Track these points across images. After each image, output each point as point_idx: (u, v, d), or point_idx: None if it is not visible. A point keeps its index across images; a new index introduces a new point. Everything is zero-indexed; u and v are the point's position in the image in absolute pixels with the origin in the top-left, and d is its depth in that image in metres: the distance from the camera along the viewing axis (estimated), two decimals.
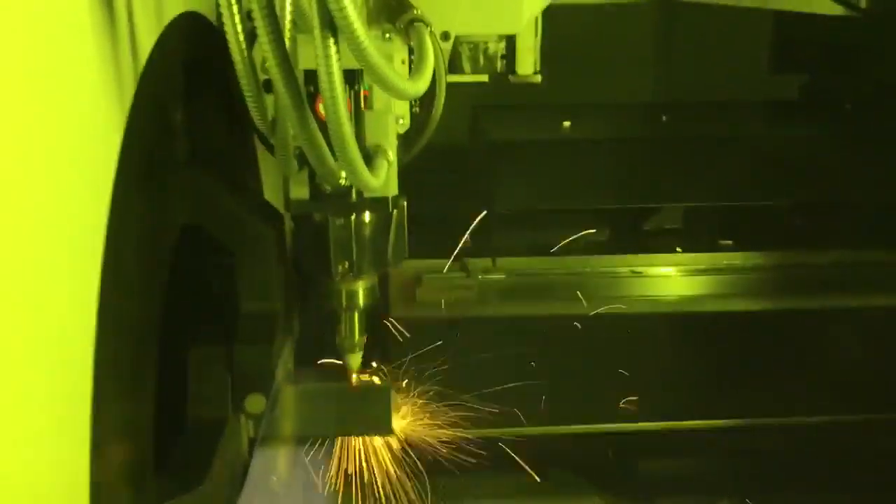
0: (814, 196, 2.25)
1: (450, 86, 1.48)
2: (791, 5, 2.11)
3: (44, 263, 0.86)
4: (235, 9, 0.99)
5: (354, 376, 1.52)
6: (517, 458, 1.96)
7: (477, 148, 2.33)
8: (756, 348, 2.16)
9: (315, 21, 0.91)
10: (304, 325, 1.66)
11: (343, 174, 1.18)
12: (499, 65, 1.77)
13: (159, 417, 1.18)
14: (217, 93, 1.43)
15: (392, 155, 1.32)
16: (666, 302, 2.15)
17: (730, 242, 2.23)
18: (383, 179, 1.26)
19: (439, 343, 1.81)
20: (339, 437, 1.58)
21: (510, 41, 1.79)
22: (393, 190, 1.37)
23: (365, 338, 1.48)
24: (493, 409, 1.86)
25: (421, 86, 1.14)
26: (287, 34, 1.02)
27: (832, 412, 2.15)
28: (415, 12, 1.32)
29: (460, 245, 1.98)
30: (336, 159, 1.08)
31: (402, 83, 1.04)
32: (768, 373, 2.16)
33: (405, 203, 1.42)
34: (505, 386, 2.01)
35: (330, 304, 1.45)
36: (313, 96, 1.13)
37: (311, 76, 1.05)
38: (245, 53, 1.01)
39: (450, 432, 1.71)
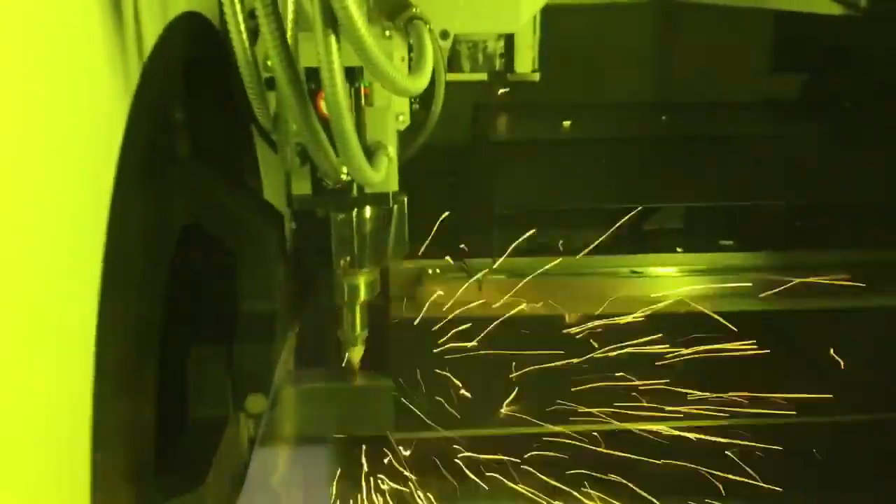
0: (814, 196, 2.25)
1: (452, 85, 1.48)
2: (791, 5, 2.11)
3: (44, 262, 0.85)
4: (238, 7, 1.00)
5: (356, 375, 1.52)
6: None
7: (478, 148, 2.33)
8: (756, 349, 2.16)
9: (317, 18, 0.93)
10: (304, 324, 1.66)
11: (344, 169, 1.19)
12: (497, 63, 1.77)
13: (160, 417, 1.18)
14: (218, 92, 1.43)
15: (392, 151, 1.33)
16: (665, 302, 2.14)
17: (730, 242, 2.22)
18: (384, 175, 1.27)
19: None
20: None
21: (509, 39, 1.80)
22: (393, 185, 1.38)
23: (366, 332, 1.49)
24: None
25: (421, 82, 1.15)
26: (289, 32, 1.03)
27: (833, 412, 2.14)
28: (414, 10, 1.33)
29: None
30: (337, 155, 1.09)
31: (402, 79, 1.05)
32: (768, 373, 2.15)
33: (405, 198, 1.43)
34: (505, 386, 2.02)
35: (331, 298, 1.46)
36: (315, 93, 1.13)
37: (313, 73, 1.06)
38: (248, 51, 1.03)
39: None
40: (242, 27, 1.01)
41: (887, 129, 2.17)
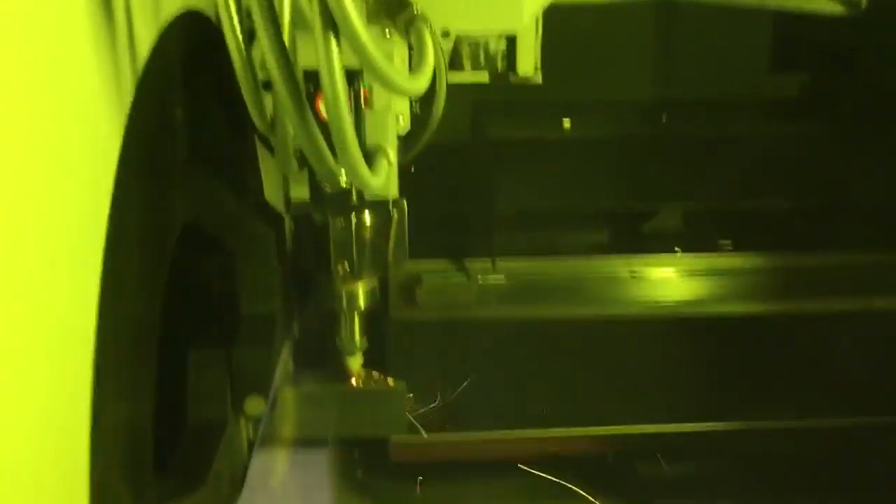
0: (814, 197, 2.24)
1: (452, 84, 1.48)
2: (791, 4, 2.10)
3: (44, 262, 0.85)
4: (233, 8, 0.98)
5: (355, 379, 1.51)
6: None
7: (477, 148, 2.33)
8: (755, 350, 2.16)
9: (316, 19, 0.90)
10: (303, 326, 1.66)
11: (343, 174, 1.17)
12: (499, 64, 1.77)
13: (159, 419, 1.17)
14: (217, 91, 1.42)
15: (392, 155, 1.32)
16: (665, 303, 2.14)
17: (729, 243, 2.22)
18: (384, 180, 1.25)
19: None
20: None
21: (511, 40, 1.79)
22: (393, 191, 1.36)
23: (366, 340, 1.47)
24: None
25: (421, 83, 1.13)
26: (286, 33, 1.02)
27: (832, 415, 2.14)
28: (415, 10, 1.31)
29: None
30: (336, 159, 1.07)
31: (402, 81, 1.03)
32: (767, 375, 2.15)
33: (405, 205, 1.42)
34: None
35: (330, 305, 1.44)
36: (313, 95, 1.12)
37: (311, 75, 1.04)
38: (244, 53, 1.01)
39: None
40: (238, 28, 0.99)
41: (887, 130, 2.17)
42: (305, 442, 1.56)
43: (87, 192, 0.95)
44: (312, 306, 1.63)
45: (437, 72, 1.38)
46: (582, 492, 2.04)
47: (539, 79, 1.81)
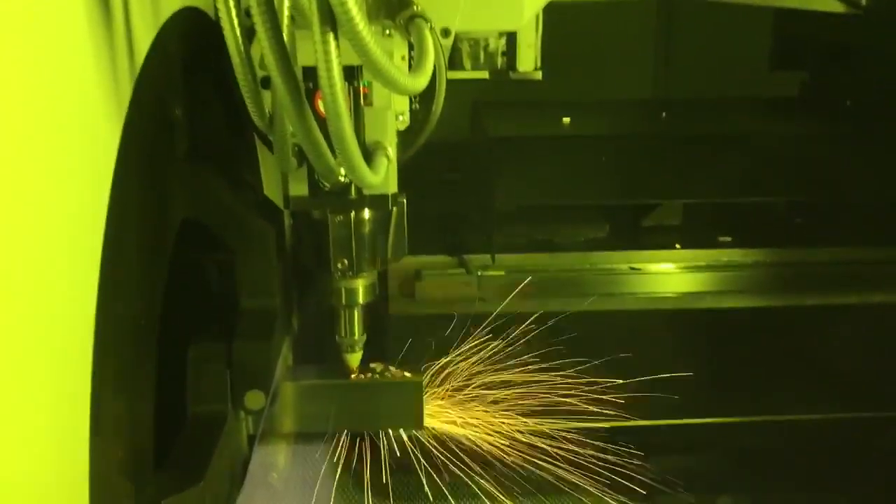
0: (813, 193, 2.25)
1: (451, 81, 1.48)
2: (791, 2, 2.10)
3: (43, 259, 0.86)
4: (232, 5, 0.99)
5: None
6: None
7: (477, 144, 2.33)
8: (754, 345, 2.16)
9: (314, 16, 0.90)
10: (303, 321, 1.66)
11: (342, 171, 1.17)
12: (499, 61, 1.77)
13: (159, 414, 1.18)
14: (216, 88, 1.42)
15: (392, 152, 1.32)
16: (664, 298, 2.15)
17: (729, 239, 2.23)
18: (383, 176, 1.25)
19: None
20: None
21: (511, 38, 1.79)
22: (392, 187, 1.36)
23: (365, 336, 1.47)
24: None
25: (421, 81, 1.13)
26: (286, 30, 1.02)
27: (831, 409, 2.15)
28: (414, 8, 1.31)
29: None
30: (335, 156, 1.08)
31: (402, 78, 1.03)
32: (767, 370, 2.16)
33: (405, 201, 1.42)
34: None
35: (329, 301, 1.44)
36: (312, 93, 1.13)
37: (310, 73, 1.04)
38: (242, 50, 1.01)
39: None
40: (237, 26, 0.99)
41: (887, 128, 2.17)
42: (306, 436, 1.56)
43: (86, 189, 0.95)
44: (312, 301, 1.64)
45: (436, 70, 1.38)
46: (580, 488, 2.04)
47: (539, 75, 1.81)
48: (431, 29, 1.28)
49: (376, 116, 1.29)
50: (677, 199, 2.30)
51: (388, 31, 1.32)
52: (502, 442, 1.82)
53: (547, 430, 1.96)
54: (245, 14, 0.99)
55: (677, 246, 2.19)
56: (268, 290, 1.45)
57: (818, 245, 2.20)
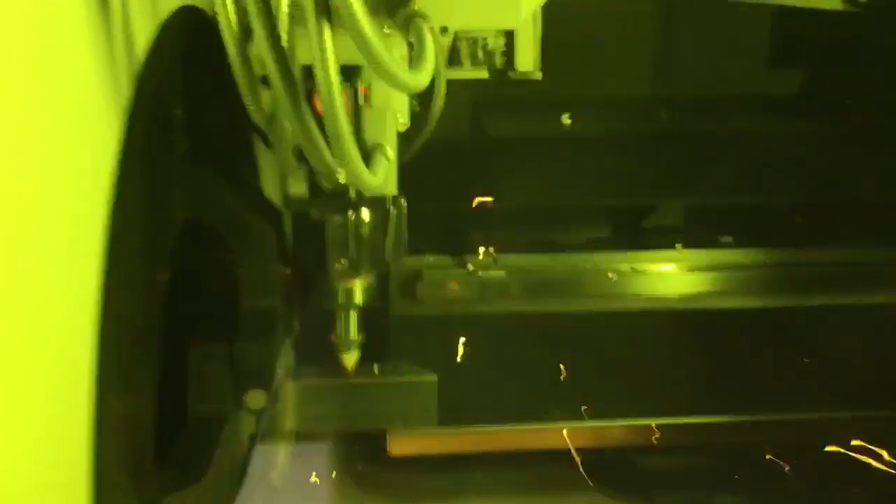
0: (814, 193, 2.24)
1: (451, 81, 1.48)
2: (790, 0, 2.10)
3: (45, 259, 0.86)
4: (230, 4, 0.99)
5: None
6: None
7: (477, 144, 2.33)
8: (755, 344, 2.16)
9: (310, 9, 0.90)
10: (304, 321, 1.66)
11: (341, 171, 1.16)
12: (498, 60, 1.77)
13: (160, 413, 1.18)
14: (216, 88, 1.42)
15: (391, 153, 1.31)
16: (665, 298, 2.14)
17: (729, 239, 2.22)
18: (382, 178, 1.25)
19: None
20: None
21: (510, 37, 1.79)
22: (392, 189, 1.36)
23: (362, 337, 1.46)
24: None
25: (422, 78, 1.13)
26: (285, 29, 1.02)
27: (831, 409, 2.15)
28: (414, 7, 1.31)
29: None
30: (333, 156, 1.08)
31: (403, 74, 1.03)
32: (767, 369, 2.16)
33: (404, 202, 1.41)
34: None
35: (327, 302, 1.44)
36: (312, 92, 1.12)
37: (310, 71, 1.04)
38: (240, 49, 1.01)
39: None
40: (234, 25, 0.99)
41: (887, 126, 2.17)
42: (306, 436, 1.56)
43: (87, 189, 0.95)
44: (313, 301, 1.64)
45: (436, 68, 1.38)
46: (580, 487, 2.04)
47: (538, 75, 1.81)
48: (430, 27, 1.28)
49: (376, 117, 1.29)
50: (678, 200, 2.29)
51: (387, 30, 1.32)
52: None
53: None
54: (243, 12, 0.99)
55: (678, 246, 2.19)
56: (269, 291, 1.45)
57: (819, 245, 2.19)
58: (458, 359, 1.87)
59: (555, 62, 1.91)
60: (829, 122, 2.30)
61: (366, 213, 1.37)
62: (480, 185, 2.18)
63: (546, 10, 1.81)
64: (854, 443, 2.08)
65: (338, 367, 1.53)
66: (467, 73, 1.74)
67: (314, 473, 1.54)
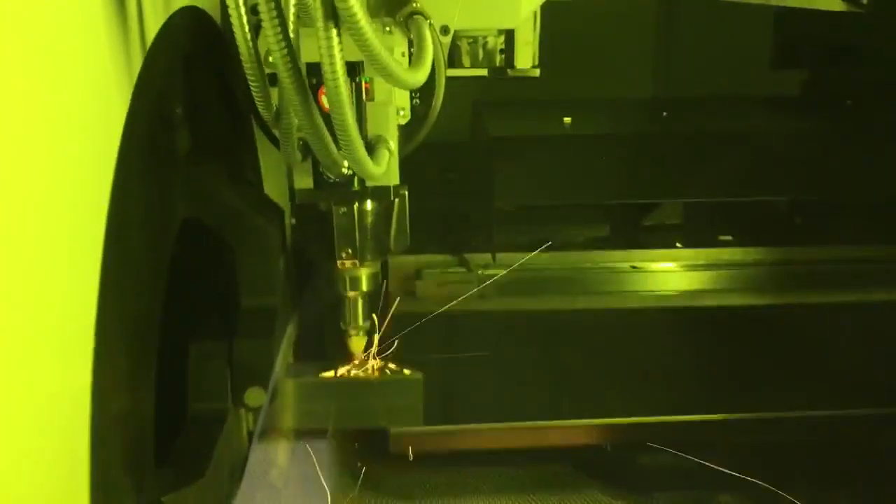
0: (814, 192, 2.25)
1: (452, 80, 1.49)
2: (792, 1, 2.10)
3: (43, 258, 0.86)
4: (241, 2, 1.01)
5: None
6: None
7: (477, 144, 2.34)
8: (755, 343, 2.17)
9: (318, 12, 0.93)
10: (303, 319, 1.66)
11: (346, 163, 1.20)
12: (498, 59, 1.78)
13: (160, 411, 1.18)
14: (218, 87, 1.43)
15: (393, 145, 1.34)
16: (665, 297, 2.15)
17: (729, 238, 2.23)
18: (385, 168, 1.29)
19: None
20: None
21: (509, 36, 1.80)
22: (394, 179, 1.39)
23: (368, 323, 1.50)
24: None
25: (421, 75, 1.15)
26: (291, 28, 1.04)
27: (831, 407, 2.15)
28: (414, 5, 1.33)
29: None
30: (339, 149, 1.11)
31: (402, 72, 1.06)
32: (767, 367, 2.16)
33: (406, 192, 1.45)
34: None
35: (334, 289, 1.47)
36: (316, 88, 1.14)
37: (314, 69, 1.06)
38: (251, 46, 1.04)
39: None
40: (245, 22, 1.02)
41: (889, 126, 2.17)
42: (306, 433, 1.56)
43: (87, 187, 0.95)
44: (313, 299, 1.64)
45: (436, 66, 1.40)
46: (581, 484, 2.05)
47: (537, 73, 1.83)
48: (430, 26, 1.31)
49: (378, 111, 1.32)
50: (678, 199, 2.30)
51: (388, 28, 1.34)
52: None
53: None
54: (252, 12, 1.01)
55: (678, 245, 2.19)
56: (268, 289, 1.46)
57: (818, 243, 2.20)
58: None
59: (555, 61, 1.91)
60: (830, 122, 2.30)
61: (370, 204, 1.40)
62: (480, 184, 2.18)
63: (546, 8, 1.82)
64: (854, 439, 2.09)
65: (330, 365, 1.54)
66: (467, 72, 1.75)
67: (314, 471, 1.54)
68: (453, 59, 1.78)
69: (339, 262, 1.42)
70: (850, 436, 2.16)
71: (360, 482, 1.69)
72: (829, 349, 2.14)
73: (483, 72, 1.83)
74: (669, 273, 2.14)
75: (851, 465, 2.10)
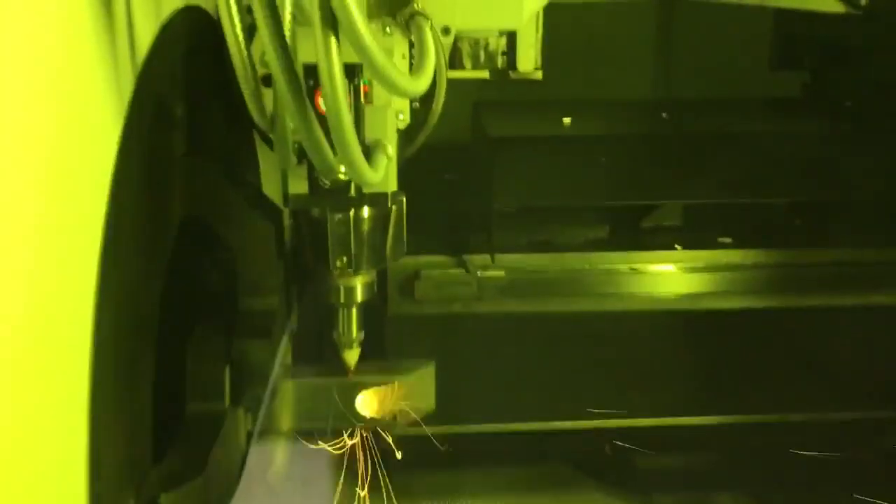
0: (813, 194, 2.25)
1: (452, 81, 1.48)
2: (792, 2, 2.10)
3: (41, 256, 0.86)
4: (233, 1, 0.99)
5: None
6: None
7: (477, 145, 2.34)
8: (754, 345, 2.17)
9: (315, 14, 0.91)
10: (302, 319, 1.66)
11: (342, 169, 1.17)
12: (499, 61, 1.77)
13: (158, 410, 1.18)
14: (217, 86, 1.43)
15: (392, 150, 1.32)
16: (664, 299, 2.15)
17: (729, 240, 2.23)
18: (382, 174, 1.25)
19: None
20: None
21: (511, 37, 1.80)
22: (392, 185, 1.36)
23: (363, 334, 1.47)
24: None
25: (422, 84, 1.13)
26: (287, 27, 1.02)
27: (830, 409, 2.15)
28: (415, 6, 1.31)
29: None
30: (335, 154, 1.08)
31: (403, 80, 1.03)
32: (766, 370, 2.16)
33: (404, 199, 1.42)
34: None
35: (328, 299, 1.44)
36: (313, 90, 1.13)
37: (311, 70, 1.04)
38: (243, 48, 1.01)
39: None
40: (237, 23, 1.00)
41: (888, 128, 2.17)
42: (305, 433, 1.57)
43: (86, 187, 0.95)
44: (311, 300, 1.64)
45: (437, 69, 1.38)
46: (580, 486, 2.05)
47: (539, 75, 1.82)
48: (432, 27, 1.29)
49: (376, 115, 1.30)
50: (677, 200, 2.30)
51: (388, 29, 1.33)
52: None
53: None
54: (246, 11, 0.99)
55: (677, 247, 2.19)
56: (267, 288, 1.45)
57: (818, 246, 2.20)
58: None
59: (556, 63, 1.91)
60: (829, 124, 2.30)
61: (366, 211, 1.37)
62: (480, 186, 2.18)
63: (548, 10, 1.81)
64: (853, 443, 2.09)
65: (335, 365, 1.54)
66: (468, 74, 1.75)
67: (313, 471, 1.54)
68: (454, 61, 1.78)
69: (332, 270, 1.37)
70: (850, 439, 2.16)
71: (359, 482, 1.69)
72: (829, 352, 2.14)
73: (485, 74, 1.83)
74: (669, 275, 2.14)
75: (852, 468, 2.10)
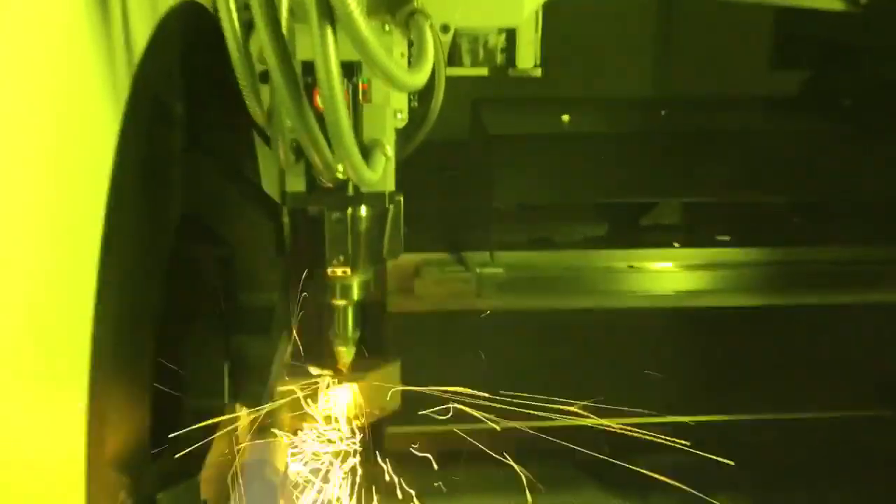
0: (812, 192, 2.25)
1: (451, 78, 1.48)
2: (791, 1, 2.10)
3: (41, 253, 0.86)
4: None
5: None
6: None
7: (477, 142, 2.34)
8: (752, 343, 2.17)
9: (312, 11, 0.90)
10: (301, 316, 1.66)
11: (340, 167, 1.15)
12: (498, 58, 1.77)
13: (157, 407, 1.18)
14: (216, 82, 1.42)
15: (390, 149, 1.31)
16: (663, 296, 2.15)
17: (727, 238, 2.23)
18: (380, 174, 1.24)
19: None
20: None
21: (510, 35, 1.79)
22: (390, 185, 1.35)
23: (359, 332, 1.46)
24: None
25: (420, 78, 1.12)
26: (284, 24, 1.02)
27: (828, 407, 2.15)
28: (414, 4, 1.30)
29: None
30: (333, 152, 1.07)
31: (401, 75, 1.02)
32: (764, 368, 2.16)
33: (401, 199, 1.41)
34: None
35: (325, 297, 1.43)
36: (311, 88, 1.12)
37: (310, 67, 1.04)
38: (241, 44, 1.01)
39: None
40: (235, 19, 0.99)
41: (887, 126, 2.17)
42: (303, 432, 1.57)
43: (85, 184, 0.95)
44: (310, 297, 1.64)
45: (436, 66, 1.38)
46: (578, 485, 2.05)
47: (538, 72, 1.81)
48: (431, 25, 1.28)
49: (375, 113, 1.28)
50: (676, 198, 2.30)
51: (387, 27, 1.32)
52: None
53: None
54: (244, 7, 0.99)
55: (676, 244, 2.19)
56: (266, 285, 1.45)
57: (816, 244, 2.20)
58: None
59: (555, 60, 1.91)
60: (828, 121, 2.30)
61: (364, 210, 1.36)
62: (479, 183, 2.18)
63: (547, 9, 1.81)
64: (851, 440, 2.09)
65: (327, 363, 1.53)
66: (467, 71, 1.74)
67: (309, 470, 1.54)
68: (453, 58, 1.77)
69: (329, 269, 1.36)
70: (848, 436, 2.16)
71: (359, 482, 1.69)
72: (826, 349, 2.15)
73: (484, 71, 1.82)
74: (667, 273, 2.15)
75: (850, 465, 2.10)
